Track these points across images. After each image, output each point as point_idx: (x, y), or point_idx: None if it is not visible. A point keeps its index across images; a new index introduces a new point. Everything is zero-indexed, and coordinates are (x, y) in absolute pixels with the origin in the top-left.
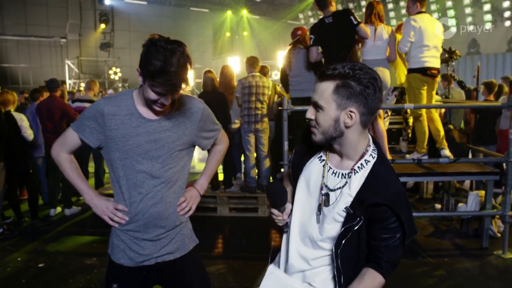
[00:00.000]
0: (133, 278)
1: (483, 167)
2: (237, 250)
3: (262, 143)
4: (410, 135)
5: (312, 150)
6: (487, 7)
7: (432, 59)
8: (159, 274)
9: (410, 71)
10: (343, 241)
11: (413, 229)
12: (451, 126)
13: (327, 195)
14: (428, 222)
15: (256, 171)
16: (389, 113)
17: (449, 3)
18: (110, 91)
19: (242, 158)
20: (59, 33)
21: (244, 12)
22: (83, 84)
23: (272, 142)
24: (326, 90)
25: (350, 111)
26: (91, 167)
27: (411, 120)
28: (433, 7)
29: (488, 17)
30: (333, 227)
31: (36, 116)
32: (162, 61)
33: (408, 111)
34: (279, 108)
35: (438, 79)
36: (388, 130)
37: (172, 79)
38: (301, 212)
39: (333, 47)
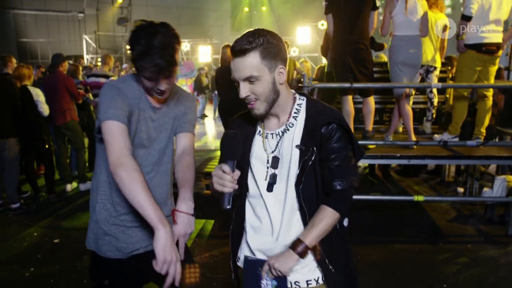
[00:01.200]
0: (124, 271)
1: None
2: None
3: None
4: (434, 115)
5: (252, 128)
6: None
7: (491, 34)
8: (149, 265)
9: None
10: (303, 178)
11: (361, 150)
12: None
13: (274, 158)
14: (450, 206)
15: None
16: (413, 92)
17: None
18: (124, 66)
19: None
20: (77, 8)
21: None
22: (100, 59)
23: None
24: (253, 61)
25: (280, 68)
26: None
27: (436, 100)
28: None
29: None
30: (292, 175)
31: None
32: (143, 45)
33: (434, 90)
34: (299, 85)
35: (500, 54)
36: (411, 110)
37: (154, 59)
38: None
39: (347, 17)
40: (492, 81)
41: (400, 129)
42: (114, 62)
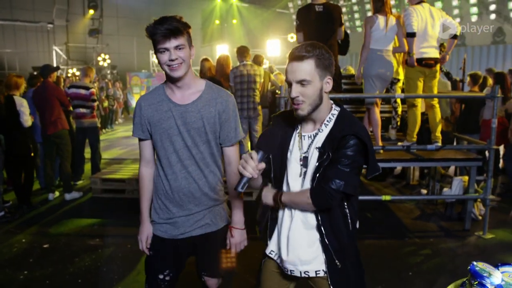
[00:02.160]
0: (167, 249)
1: (467, 154)
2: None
3: (255, 129)
4: (399, 123)
5: (292, 126)
6: None
7: (430, 50)
8: (190, 247)
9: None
10: (317, 176)
11: (376, 165)
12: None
13: (305, 158)
14: (414, 206)
15: None
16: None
17: None
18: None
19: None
20: (46, 18)
21: (234, 0)
22: (70, 71)
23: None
24: (309, 67)
25: (328, 79)
26: (87, 153)
27: (400, 109)
28: None
29: (474, 10)
30: (311, 170)
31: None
32: (154, 21)
33: (398, 100)
34: (276, 95)
35: (438, 68)
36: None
37: (168, 23)
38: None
39: (318, 35)
40: (435, 91)
41: None
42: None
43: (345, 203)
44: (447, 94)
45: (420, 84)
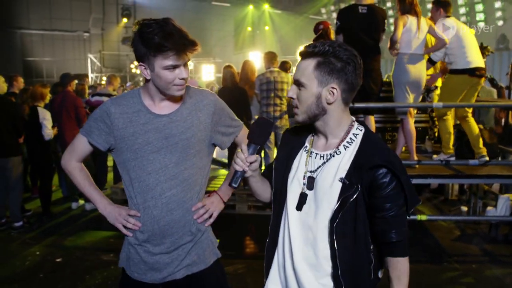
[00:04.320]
0: None
1: None
2: (256, 250)
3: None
4: (436, 134)
5: (300, 142)
6: None
7: (478, 59)
8: None
9: (454, 72)
10: (339, 214)
11: (415, 196)
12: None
13: (310, 178)
14: (454, 225)
15: None
16: (414, 111)
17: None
18: (128, 84)
19: (263, 155)
20: (82, 27)
21: (266, 7)
22: (105, 78)
23: None
24: (307, 67)
25: (332, 87)
26: (110, 161)
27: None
28: (461, 1)
29: None
30: (327, 206)
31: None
32: (162, 31)
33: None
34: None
35: (483, 80)
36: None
37: (180, 38)
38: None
39: (359, 38)
40: (473, 100)
41: (403, 148)
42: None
43: (371, 246)
44: (493, 103)
45: (462, 96)
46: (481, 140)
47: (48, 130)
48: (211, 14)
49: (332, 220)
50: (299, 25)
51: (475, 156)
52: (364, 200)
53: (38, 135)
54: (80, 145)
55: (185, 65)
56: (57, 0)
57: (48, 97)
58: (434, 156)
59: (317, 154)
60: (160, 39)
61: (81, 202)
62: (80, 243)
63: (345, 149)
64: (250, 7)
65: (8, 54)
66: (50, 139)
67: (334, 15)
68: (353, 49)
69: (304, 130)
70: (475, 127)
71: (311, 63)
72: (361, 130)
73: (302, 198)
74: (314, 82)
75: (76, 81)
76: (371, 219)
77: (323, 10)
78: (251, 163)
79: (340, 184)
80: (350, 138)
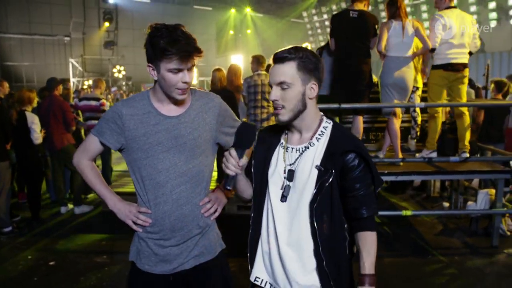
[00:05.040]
0: (160, 285)
1: (493, 166)
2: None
3: None
4: (418, 133)
5: (275, 139)
6: (492, 5)
7: (459, 55)
8: (185, 279)
9: (433, 67)
10: (318, 197)
11: (380, 177)
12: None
13: (290, 171)
14: (436, 220)
15: None
16: (401, 114)
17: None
18: (113, 89)
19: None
20: (63, 32)
21: (248, 10)
22: (86, 82)
23: None
24: (290, 69)
25: (313, 84)
26: (99, 165)
27: (419, 119)
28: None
29: (493, 15)
30: (307, 192)
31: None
32: (168, 36)
33: (418, 109)
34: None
35: (466, 73)
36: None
37: (185, 45)
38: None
39: (349, 42)
40: (464, 99)
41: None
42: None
43: (345, 225)
44: (471, 103)
45: (444, 91)
46: (468, 137)
47: (37, 134)
48: (193, 17)
49: (312, 203)
50: (281, 29)
51: (458, 151)
52: (337, 182)
53: (27, 139)
54: (92, 145)
55: (190, 69)
56: (36, 4)
57: (36, 101)
58: (417, 154)
59: (292, 148)
60: (166, 44)
61: (70, 206)
62: (72, 246)
63: (317, 140)
64: (232, 11)
65: None
66: (39, 143)
67: (316, 18)
68: (311, 50)
69: (278, 129)
70: (468, 124)
71: (293, 65)
72: (329, 123)
73: (285, 190)
74: (298, 81)
75: (62, 86)
76: (344, 199)
77: (305, 14)
78: (241, 163)
79: (316, 171)
80: (321, 131)
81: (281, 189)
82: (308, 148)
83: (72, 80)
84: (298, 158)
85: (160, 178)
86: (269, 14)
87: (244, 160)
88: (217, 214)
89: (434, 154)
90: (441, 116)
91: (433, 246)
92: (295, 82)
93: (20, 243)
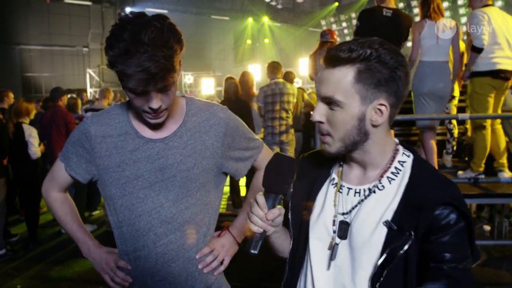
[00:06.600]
0: None
1: None
2: (256, 274)
3: None
4: (455, 147)
5: (323, 172)
6: None
7: (504, 60)
8: None
9: (476, 74)
10: (385, 272)
11: (477, 250)
12: (506, 138)
13: (343, 223)
14: (478, 247)
15: None
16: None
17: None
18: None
19: None
20: (82, 42)
21: (265, 19)
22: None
23: (299, 155)
24: (343, 79)
25: (380, 104)
26: None
27: (456, 131)
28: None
29: None
30: (367, 261)
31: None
32: (127, 40)
33: (454, 121)
34: (310, 118)
35: (510, 83)
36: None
37: (142, 61)
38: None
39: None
40: (499, 110)
41: None
42: (116, 95)
43: None
44: None
45: (491, 101)
46: (505, 153)
47: (35, 148)
48: (210, 27)
49: (374, 279)
50: (299, 37)
51: (495, 170)
52: (417, 249)
53: (24, 154)
54: (60, 173)
55: (162, 90)
56: (56, 16)
57: (34, 112)
58: (459, 172)
59: (349, 189)
60: (116, 57)
61: None
62: (68, 274)
63: (389, 182)
64: (250, 20)
65: (7, 70)
66: (37, 157)
67: (334, 27)
68: (390, 46)
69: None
70: (502, 138)
71: (348, 73)
72: (408, 156)
73: (333, 251)
74: (355, 99)
75: (68, 96)
76: (422, 270)
77: (323, 22)
78: (273, 219)
79: (385, 231)
80: (396, 168)
81: (328, 249)
82: (374, 192)
83: (89, 90)
84: (357, 205)
85: (140, 224)
86: (286, 23)
87: (277, 212)
88: (223, 268)
89: (481, 177)
90: (489, 129)
91: (480, 280)
92: (349, 99)
93: (12, 268)
